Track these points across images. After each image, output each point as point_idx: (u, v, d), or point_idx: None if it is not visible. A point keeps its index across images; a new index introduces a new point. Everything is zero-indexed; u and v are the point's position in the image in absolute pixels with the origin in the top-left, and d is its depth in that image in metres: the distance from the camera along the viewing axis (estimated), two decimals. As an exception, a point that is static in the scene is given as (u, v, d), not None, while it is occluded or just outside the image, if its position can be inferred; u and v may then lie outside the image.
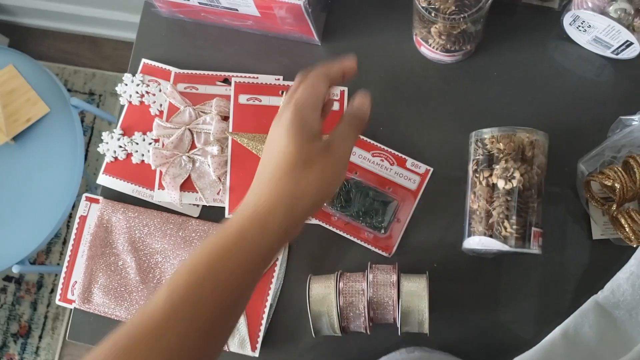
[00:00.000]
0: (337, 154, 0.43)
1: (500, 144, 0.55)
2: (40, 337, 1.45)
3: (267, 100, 0.65)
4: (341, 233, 0.62)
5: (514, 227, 0.54)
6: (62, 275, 0.65)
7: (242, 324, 0.61)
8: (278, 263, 0.62)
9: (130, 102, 0.68)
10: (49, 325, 1.46)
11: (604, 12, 0.57)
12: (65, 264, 0.65)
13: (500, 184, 0.55)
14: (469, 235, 0.56)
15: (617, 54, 0.62)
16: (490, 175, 0.56)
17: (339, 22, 0.68)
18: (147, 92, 0.67)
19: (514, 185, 0.54)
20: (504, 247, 0.54)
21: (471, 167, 0.58)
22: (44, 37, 1.62)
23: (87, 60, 1.60)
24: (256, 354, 0.60)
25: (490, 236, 0.54)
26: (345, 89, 0.65)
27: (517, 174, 0.54)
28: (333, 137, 0.44)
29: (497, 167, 0.55)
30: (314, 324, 0.56)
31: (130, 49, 0.71)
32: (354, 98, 0.47)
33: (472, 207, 0.57)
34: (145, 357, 0.35)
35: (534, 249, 0.54)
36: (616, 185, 0.55)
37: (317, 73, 0.45)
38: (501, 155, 0.55)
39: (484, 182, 0.56)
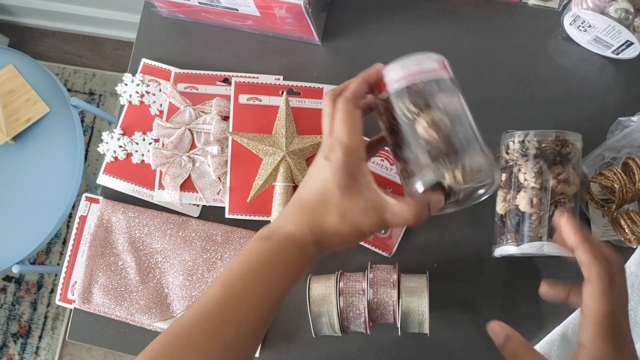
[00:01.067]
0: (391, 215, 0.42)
1: (565, 148, 0.54)
2: (40, 337, 1.45)
3: (267, 100, 0.65)
4: (341, 233, 0.62)
5: None
6: (62, 275, 0.65)
7: (242, 324, 0.61)
8: (278, 263, 0.62)
9: (130, 102, 0.68)
10: (48, 325, 1.46)
11: (604, 12, 0.57)
12: (65, 264, 0.65)
13: (563, 188, 0.53)
14: (528, 240, 0.53)
15: (617, 54, 0.62)
16: (548, 178, 0.53)
17: (339, 22, 0.68)
18: (147, 92, 0.67)
19: (575, 190, 0.54)
20: (569, 254, 0.53)
21: (531, 168, 0.54)
22: (44, 37, 1.62)
23: (87, 60, 1.60)
24: (256, 354, 0.60)
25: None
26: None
27: (576, 179, 0.54)
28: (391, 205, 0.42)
29: (558, 170, 0.53)
30: (314, 323, 0.56)
31: (130, 49, 0.71)
32: None
33: (527, 212, 0.54)
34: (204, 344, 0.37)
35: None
36: (615, 186, 0.55)
37: (349, 97, 0.43)
38: (562, 159, 0.54)
39: (537, 185, 0.54)
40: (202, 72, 0.67)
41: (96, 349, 1.42)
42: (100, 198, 0.66)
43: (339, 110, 0.42)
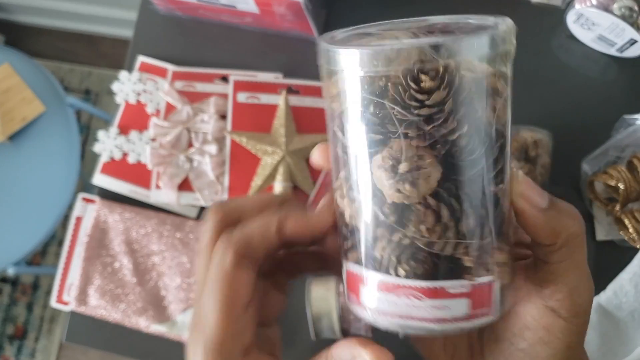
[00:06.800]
0: None
1: (534, 150, 0.53)
2: (36, 339, 1.44)
3: (266, 98, 0.64)
4: (341, 234, 0.61)
5: None
6: (58, 277, 0.64)
7: (240, 326, 0.60)
8: (277, 264, 0.61)
9: (126, 101, 0.67)
10: (45, 327, 1.45)
11: (608, 10, 0.56)
12: (61, 265, 0.64)
13: None
14: None
15: (621, 52, 0.61)
16: None
17: (338, 19, 0.67)
18: (144, 91, 0.66)
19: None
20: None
21: None
22: (39, 34, 1.60)
23: (84, 58, 1.59)
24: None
25: None
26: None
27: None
28: None
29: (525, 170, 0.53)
30: (314, 326, 0.55)
31: (127, 47, 0.70)
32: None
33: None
34: None
35: None
36: (620, 185, 0.55)
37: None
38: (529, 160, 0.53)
39: None
40: (199, 70, 0.66)
41: (93, 352, 1.40)
42: (97, 198, 0.65)
43: (214, 269, 0.26)
